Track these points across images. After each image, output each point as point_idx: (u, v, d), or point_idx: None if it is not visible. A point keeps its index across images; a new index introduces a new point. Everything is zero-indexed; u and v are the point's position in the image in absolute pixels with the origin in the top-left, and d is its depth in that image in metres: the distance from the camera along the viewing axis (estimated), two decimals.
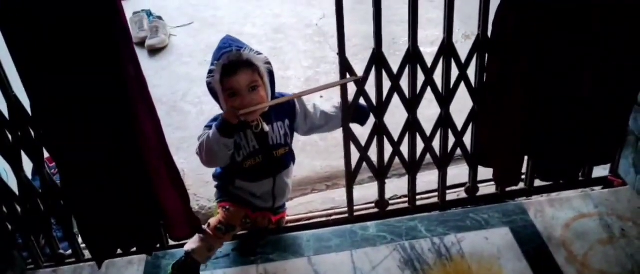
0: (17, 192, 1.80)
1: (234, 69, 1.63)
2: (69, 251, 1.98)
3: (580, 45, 1.64)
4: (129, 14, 3.70)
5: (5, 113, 1.66)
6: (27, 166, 1.78)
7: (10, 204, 1.81)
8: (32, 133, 1.68)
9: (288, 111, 1.81)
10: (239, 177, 1.83)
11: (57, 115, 1.57)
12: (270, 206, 1.89)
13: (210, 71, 1.65)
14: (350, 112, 1.78)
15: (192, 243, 1.85)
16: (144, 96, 1.59)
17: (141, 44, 3.65)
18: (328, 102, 2.85)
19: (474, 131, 1.85)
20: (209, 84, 1.68)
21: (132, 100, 1.56)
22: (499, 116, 1.75)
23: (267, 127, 1.75)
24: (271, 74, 1.72)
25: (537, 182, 1.99)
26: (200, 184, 2.50)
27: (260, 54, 1.69)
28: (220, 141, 1.68)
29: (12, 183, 1.80)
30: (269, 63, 1.71)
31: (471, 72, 1.75)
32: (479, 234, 1.90)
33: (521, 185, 1.99)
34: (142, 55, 3.55)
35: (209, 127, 1.75)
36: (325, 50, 3.43)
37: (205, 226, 1.86)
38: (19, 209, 1.83)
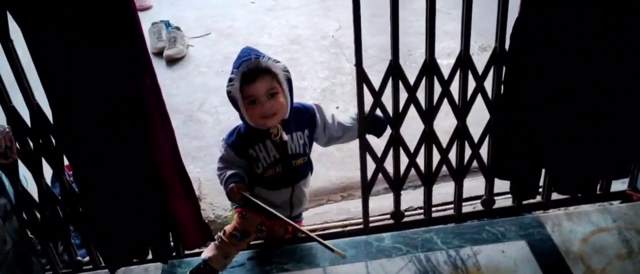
0: (36, 199, 1.82)
1: (253, 76, 1.64)
2: (87, 258, 2.00)
3: (597, 58, 1.63)
4: (147, 25, 3.78)
5: (28, 121, 1.68)
6: (47, 173, 1.81)
7: (30, 210, 1.84)
8: (53, 141, 1.70)
9: (308, 121, 1.82)
10: (258, 184, 1.84)
11: (77, 124, 1.60)
12: (288, 215, 1.90)
13: (230, 80, 1.67)
14: (367, 123, 1.79)
15: (208, 251, 1.86)
16: (159, 107, 1.62)
17: (159, 54, 3.69)
18: (344, 112, 2.88)
19: (491, 143, 1.84)
20: (229, 93, 1.70)
21: (148, 111, 1.59)
22: (515, 128, 1.74)
23: (286, 136, 1.75)
24: (289, 81, 1.74)
25: (554, 196, 1.98)
26: (216, 193, 2.51)
27: (278, 62, 1.71)
28: None
29: (32, 190, 1.83)
30: (287, 71, 1.73)
31: (488, 84, 1.75)
32: (495, 247, 1.89)
33: (538, 198, 1.98)
34: (160, 65, 3.59)
35: (226, 143, 1.79)
36: (341, 62, 3.45)
37: (220, 233, 1.87)
38: (38, 215, 1.86)
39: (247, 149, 1.76)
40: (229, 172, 1.77)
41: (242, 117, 1.74)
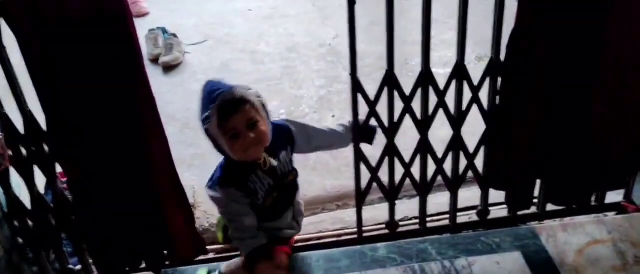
0: (29, 207, 1.81)
1: (231, 109, 1.55)
2: (79, 267, 1.98)
3: (593, 70, 1.63)
4: (144, 31, 3.77)
5: (20, 128, 1.68)
6: (39, 181, 1.80)
7: (22, 218, 1.83)
8: (46, 149, 1.69)
9: (287, 139, 1.76)
10: (263, 220, 1.79)
11: (71, 131, 1.60)
12: (297, 230, 1.89)
13: (206, 118, 1.58)
14: (359, 132, 1.78)
15: None
16: (153, 117, 1.62)
17: (156, 60, 3.68)
18: (339, 121, 2.87)
19: (486, 153, 1.84)
20: (207, 131, 1.62)
21: (141, 121, 1.58)
22: (511, 138, 1.74)
23: (275, 162, 1.70)
24: (265, 106, 1.65)
25: (550, 207, 1.97)
26: (211, 202, 2.49)
27: (250, 89, 1.63)
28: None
29: (25, 197, 1.81)
30: (260, 96, 1.64)
31: (483, 94, 1.74)
32: (490, 258, 1.88)
33: (533, 209, 1.98)
34: (156, 72, 3.59)
35: (218, 185, 1.70)
36: (338, 70, 3.44)
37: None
38: (30, 223, 1.84)
39: (245, 183, 1.69)
40: (258, 242, 1.72)
41: (224, 154, 1.67)
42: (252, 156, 1.64)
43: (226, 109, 1.55)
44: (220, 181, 1.69)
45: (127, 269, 1.90)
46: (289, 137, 1.77)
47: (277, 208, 1.79)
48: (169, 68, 3.66)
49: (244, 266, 1.77)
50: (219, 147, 1.65)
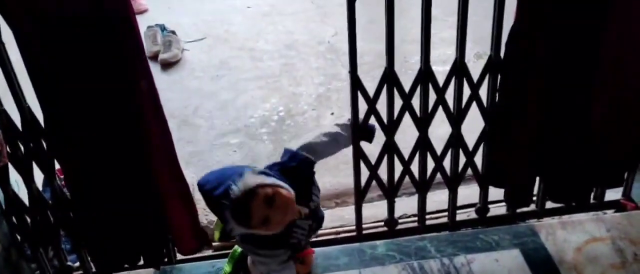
0: (27, 203, 1.81)
1: (245, 213, 1.46)
2: (77, 264, 1.98)
3: (592, 67, 1.63)
4: (143, 28, 3.75)
5: (19, 124, 1.67)
6: (38, 178, 1.79)
7: (20, 215, 1.82)
8: (44, 145, 1.69)
9: (308, 170, 1.67)
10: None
11: (70, 127, 1.59)
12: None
13: (228, 222, 1.50)
14: (359, 130, 1.77)
15: None
16: (156, 111, 1.61)
17: (154, 58, 3.67)
18: (339, 119, 2.87)
19: (485, 150, 1.84)
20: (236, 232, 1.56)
21: (144, 115, 1.58)
22: (510, 136, 1.74)
23: (306, 209, 1.63)
24: (263, 172, 1.56)
25: (549, 205, 1.97)
26: None
27: (241, 172, 1.51)
28: None
29: (23, 194, 1.81)
30: (253, 168, 1.56)
31: (482, 92, 1.74)
32: (489, 255, 1.88)
33: (532, 207, 1.98)
34: (154, 69, 3.57)
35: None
36: (337, 68, 3.44)
37: None
38: (28, 220, 1.84)
39: (288, 241, 1.65)
40: None
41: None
42: (291, 219, 1.55)
43: (242, 214, 1.47)
44: (264, 246, 1.63)
45: (126, 266, 1.89)
46: (310, 167, 1.67)
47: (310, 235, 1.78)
48: (167, 65, 3.65)
49: None
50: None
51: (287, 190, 1.51)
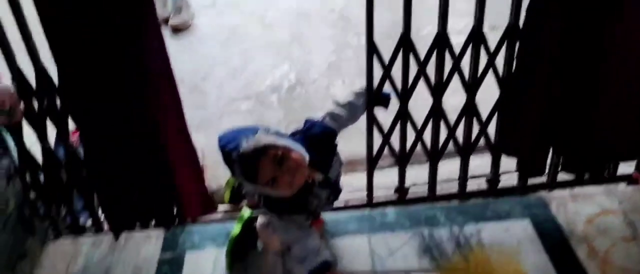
0: (40, 161, 1.81)
1: (253, 167, 1.49)
2: (89, 222, 2.00)
3: (612, 39, 1.61)
4: None
5: (33, 81, 1.67)
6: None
7: (33, 172, 1.83)
8: (58, 103, 1.69)
9: (330, 140, 1.71)
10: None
11: (83, 85, 1.58)
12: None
13: (240, 183, 1.57)
14: (375, 98, 1.76)
15: None
16: (166, 71, 1.60)
17: (164, 22, 3.65)
18: (349, 87, 2.85)
19: (499, 120, 1.83)
20: (249, 192, 1.59)
21: (154, 74, 1.57)
22: (526, 105, 1.72)
23: (320, 176, 1.65)
24: (278, 132, 1.60)
25: (560, 177, 1.97)
26: (219, 164, 2.48)
27: (257, 128, 1.58)
28: None
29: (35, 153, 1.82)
30: (267, 129, 1.59)
31: (498, 60, 1.72)
32: (499, 225, 1.89)
33: (544, 178, 1.97)
34: (164, 34, 3.55)
35: (273, 220, 1.68)
36: (348, 36, 3.41)
37: None
38: (41, 178, 1.85)
39: (305, 207, 1.67)
40: (321, 257, 1.67)
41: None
42: (299, 184, 1.55)
43: (250, 171, 1.49)
44: (283, 210, 1.65)
45: (137, 225, 1.91)
46: (332, 137, 1.70)
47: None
48: (177, 31, 3.63)
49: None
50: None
51: (299, 154, 1.53)
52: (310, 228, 1.73)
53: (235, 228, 1.87)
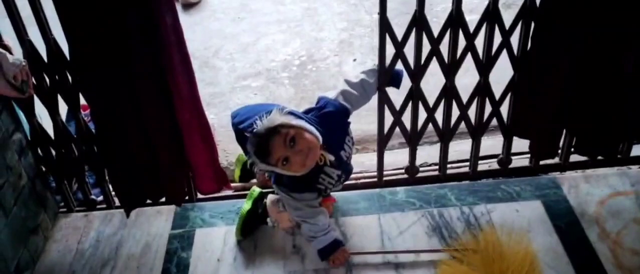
0: (52, 136, 1.82)
1: (265, 149, 1.49)
2: (100, 198, 2.01)
3: (628, 21, 1.58)
4: None
5: (44, 56, 1.67)
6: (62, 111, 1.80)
7: (45, 147, 1.84)
8: (69, 78, 1.69)
9: (343, 118, 1.69)
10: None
11: (94, 60, 1.58)
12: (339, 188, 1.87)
13: (253, 162, 1.54)
14: (388, 76, 1.75)
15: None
16: (179, 47, 1.59)
17: None
18: (361, 65, 2.83)
19: (512, 100, 1.81)
20: (260, 170, 1.59)
21: (167, 49, 1.56)
22: (540, 86, 1.70)
23: (332, 157, 1.64)
24: (292, 112, 1.56)
25: (572, 158, 1.95)
26: (230, 140, 2.49)
27: (271, 108, 1.54)
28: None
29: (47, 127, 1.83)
30: (282, 109, 1.55)
31: (513, 40, 1.70)
32: (509, 205, 1.88)
33: (556, 159, 1.95)
34: None
35: (288, 191, 1.67)
36: (360, 13, 3.38)
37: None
38: (53, 152, 1.86)
39: (315, 185, 1.67)
40: (331, 236, 1.71)
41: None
42: (312, 164, 1.55)
43: (262, 150, 1.49)
44: (293, 188, 1.66)
45: (148, 201, 1.92)
46: (345, 115, 1.69)
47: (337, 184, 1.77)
48: (188, 5, 3.62)
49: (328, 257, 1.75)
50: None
51: (312, 135, 1.52)
52: (321, 206, 1.73)
53: (246, 205, 1.87)
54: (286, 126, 1.49)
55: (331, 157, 1.64)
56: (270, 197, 1.86)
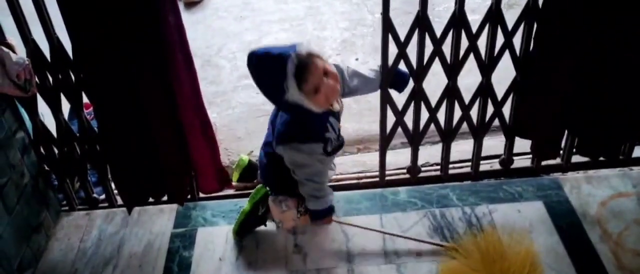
0: (55, 135, 1.83)
1: (306, 69, 1.50)
2: (103, 196, 2.01)
3: (630, 23, 1.58)
4: None
5: (48, 55, 1.67)
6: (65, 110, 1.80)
7: (48, 145, 1.84)
8: (72, 77, 1.69)
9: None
10: None
11: (97, 59, 1.58)
12: (335, 171, 1.87)
13: (283, 89, 1.50)
14: (390, 76, 1.75)
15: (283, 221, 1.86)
16: (182, 46, 1.59)
17: None
18: (363, 65, 2.84)
19: (515, 101, 1.81)
20: (286, 102, 1.53)
21: (170, 49, 1.56)
22: (542, 86, 1.70)
23: (338, 106, 1.68)
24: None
25: (574, 159, 1.95)
26: (232, 139, 2.51)
27: (301, 43, 1.57)
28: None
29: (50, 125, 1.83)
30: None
31: (515, 40, 1.70)
32: (511, 206, 1.88)
33: (557, 160, 1.95)
34: None
35: (299, 142, 1.63)
36: (362, 13, 3.38)
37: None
38: (56, 151, 1.86)
39: (323, 134, 1.66)
40: (329, 200, 1.73)
41: (295, 112, 1.60)
42: (333, 99, 1.61)
43: (302, 72, 1.50)
44: (301, 138, 1.64)
45: (150, 200, 1.92)
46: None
47: (335, 151, 1.76)
48: (190, 4, 3.62)
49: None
50: (293, 110, 1.58)
51: (337, 74, 1.59)
52: (327, 158, 1.71)
53: (246, 205, 1.88)
54: (322, 57, 1.55)
55: (338, 107, 1.68)
56: (273, 198, 1.86)
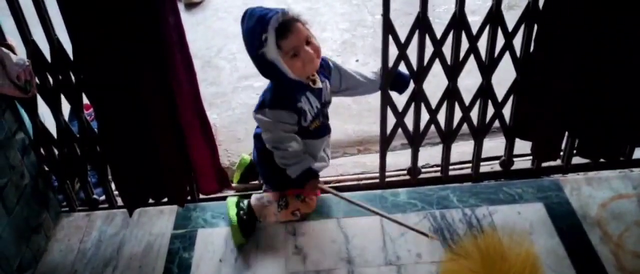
0: (55, 136, 1.82)
1: (288, 28, 1.57)
2: (103, 197, 2.01)
3: (631, 24, 1.58)
4: None
5: (48, 56, 1.67)
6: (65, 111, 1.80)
7: (48, 146, 1.84)
8: (73, 77, 1.69)
9: (325, 69, 1.78)
10: (304, 137, 1.76)
11: (98, 60, 1.58)
12: (327, 163, 1.88)
13: (261, 42, 1.55)
14: (391, 78, 1.75)
15: (266, 215, 1.91)
16: (181, 46, 1.59)
17: None
18: (364, 66, 2.84)
19: (515, 102, 1.81)
20: (262, 57, 1.58)
21: (169, 50, 1.56)
22: (542, 88, 1.70)
23: (320, 84, 1.72)
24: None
25: (575, 160, 1.95)
26: (232, 140, 2.51)
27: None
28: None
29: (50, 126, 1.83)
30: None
31: (515, 42, 1.70)
32: (511, 207, 1.88)
33: (558, 162, 1.95)
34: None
35: (268, 108, 1.67)
36: (363, 14, 3.38)
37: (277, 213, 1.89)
38: (56, 152, 1.86)
39: (295, 103, 1.68)
40: (306, 164, 1.73)
41: (274, 78, 1.66)
42: (310, 71, 1.66)
43: (284, 30, 1.57)
44: (270, 104, 1.68)
45: (150, 201, 1.92)
46: (328, 71, 1.79)
47: (318, 131, 1.79)
48: (191, 5, 3.62)
49: (305, 186, 1.78)
50: (269, 71, 1.63)
51: (319, 46, 1.67)
52: (304, 155, 1.75)
53: (231, 213, 1.89)
54: (307, 26, 1.64)
55: (320, 84, 1.71)
56: (254, 196, 1.91)
